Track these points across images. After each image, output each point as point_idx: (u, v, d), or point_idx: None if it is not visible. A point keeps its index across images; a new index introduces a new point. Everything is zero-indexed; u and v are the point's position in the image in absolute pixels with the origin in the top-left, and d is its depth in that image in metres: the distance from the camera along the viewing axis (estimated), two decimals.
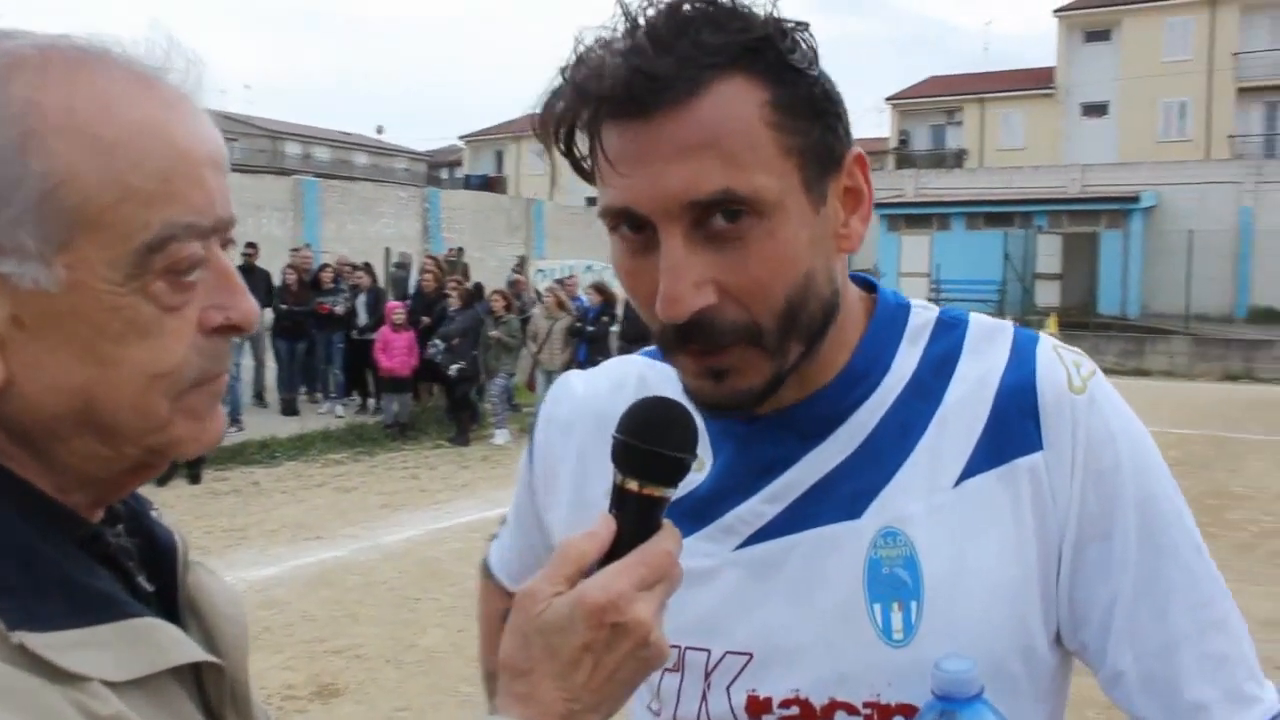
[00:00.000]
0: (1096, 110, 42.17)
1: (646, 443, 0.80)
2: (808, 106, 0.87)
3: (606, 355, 13.04)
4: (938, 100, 45.76)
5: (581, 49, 0.87)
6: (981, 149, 43.53)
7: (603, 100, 0.84)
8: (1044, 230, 30.19)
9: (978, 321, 1.02)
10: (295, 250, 14.95)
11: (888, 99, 46.13)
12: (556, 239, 29.81)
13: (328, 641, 5.94)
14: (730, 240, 0.85)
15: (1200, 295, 26.94)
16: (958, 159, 43.21)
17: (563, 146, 0.89)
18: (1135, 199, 29.98)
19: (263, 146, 51.80)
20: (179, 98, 0.76)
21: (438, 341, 12.55)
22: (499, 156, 56.86)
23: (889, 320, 1.01)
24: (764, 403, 0.92)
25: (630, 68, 0.82)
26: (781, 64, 0.85)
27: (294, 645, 5.87)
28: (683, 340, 0.88)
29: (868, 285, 1.04)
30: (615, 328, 13.43)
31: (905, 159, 43.05)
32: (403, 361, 12.68)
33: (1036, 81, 43.90)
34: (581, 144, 0.90)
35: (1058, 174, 33.55)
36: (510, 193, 44.21)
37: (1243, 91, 39.85)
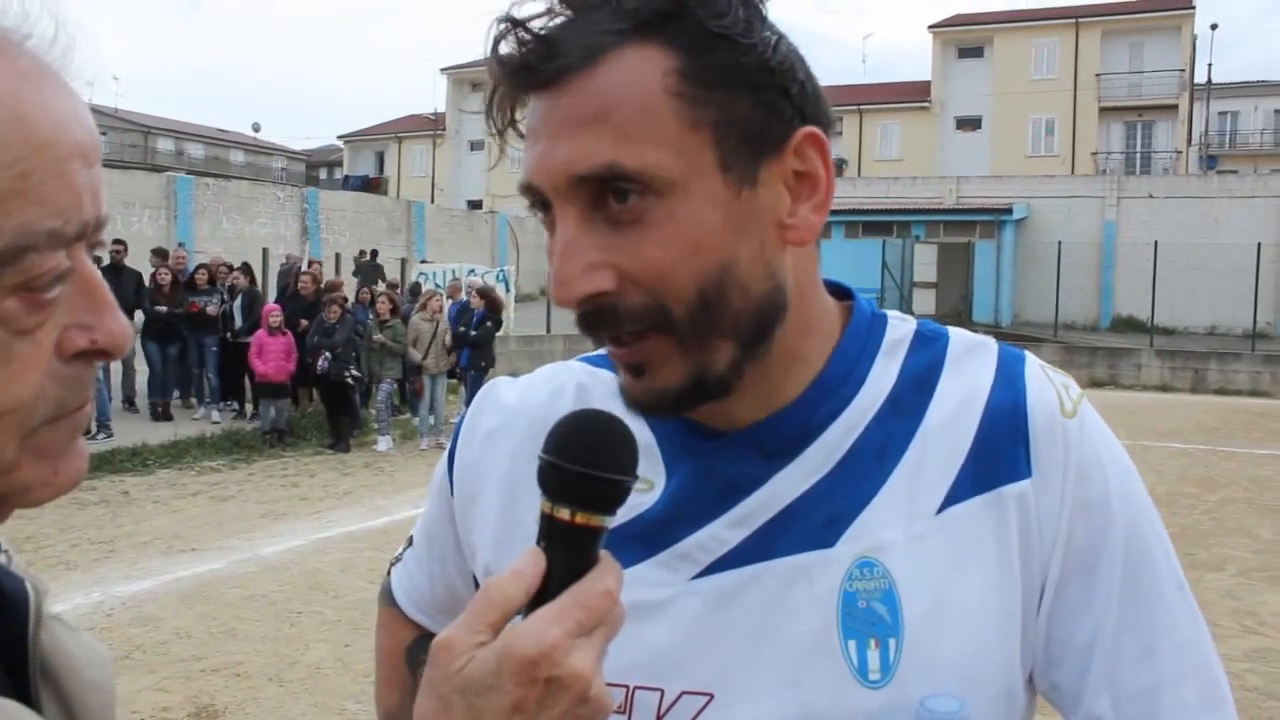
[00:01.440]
0: (970, 124, 43.71)
1: (578, 464, 0.69)
2: (730, 76, 0.78)
3: (490, 361, 13.08)
4: None
5: (501, 15, 0.80)
6: (860, 159, 44.58)
7: (508, 70, 0.79)
8: (921, 240, 31.07)
9: (958, 335, 0.95)
10: (155, 252, 14.29)
11: None
12: (437, 242, 29.57)
13: (205, 660, 5.69)
14: (627, 223, 0.78)
15: (1068, 304, 28.05)
16: (837, 168, 43.38)
17: (494, 119, 0.83)
18: (1008, 210, 31.08)
19: (133, 141, 50.06)
20: (41, 70, 0.60)
21: (327, 354, 12.25)
22: (380, 157, 56.11)
23: (864, 331, 0.93)
24: (689, 407, 0.83)
25: (533, 36, 0.77)
26: (700, 29, 0.77)
27: (168, 665, 5.60)
28: (588, 328, 0.82)
29: (844, 293, 0.96)
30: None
31: None
32: (279, 366, 12.28)
33: (913, 95, 45.26)
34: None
35: (934, 185, 34.56)
36: (391, 194, 43.57)
37: (1104, 111, 41.83)
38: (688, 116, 0.77)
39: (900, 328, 0.95)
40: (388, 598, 1.15)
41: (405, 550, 1.14)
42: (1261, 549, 8.47)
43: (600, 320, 0.80)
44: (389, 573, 1.16)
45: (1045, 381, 0.90)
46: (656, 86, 0.77)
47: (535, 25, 0.78)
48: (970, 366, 0.92)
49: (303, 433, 13.00)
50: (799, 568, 0.86)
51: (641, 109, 0.76)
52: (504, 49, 0.79)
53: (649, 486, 0.91)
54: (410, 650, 1.11)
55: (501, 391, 1.05)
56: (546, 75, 0.77)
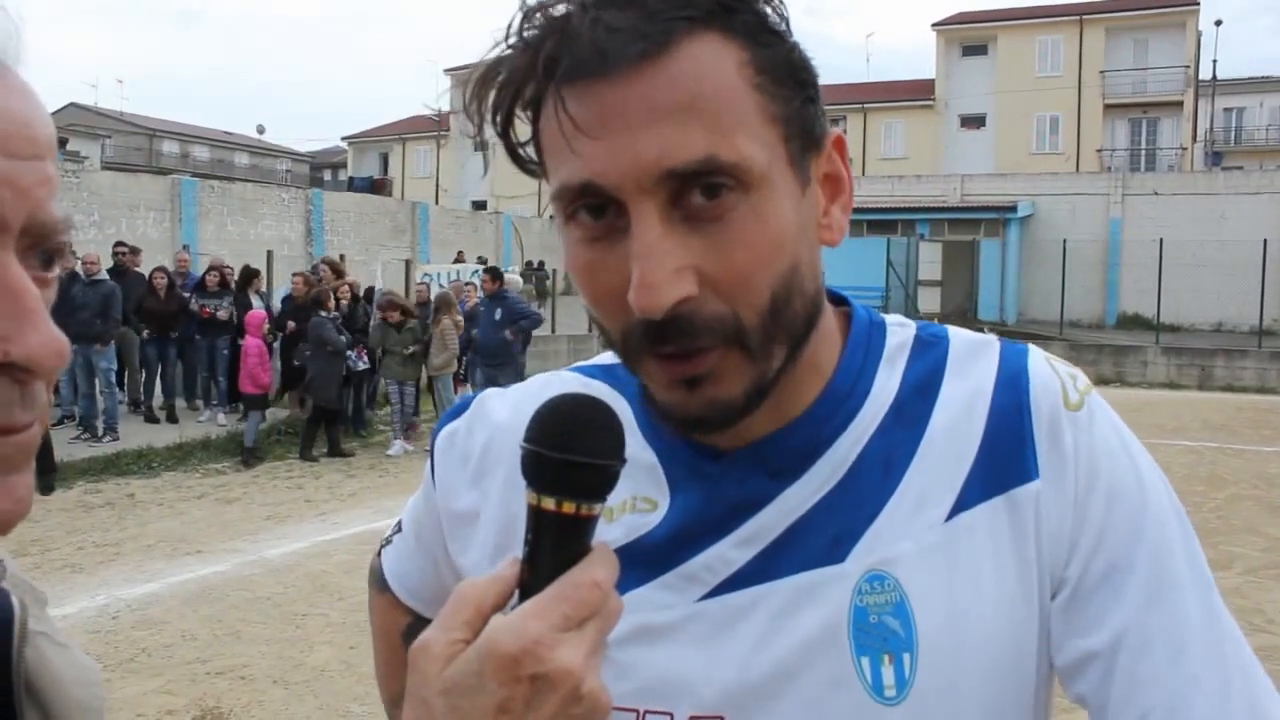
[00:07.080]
0: (974, 122, 43.65)
1: (562, 450, 0.66)
2: (789, 72, 0.77)
3: (466, 370, 12.95)
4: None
5: (531, 3, 0.75)
6: (864, 158, 44.52)
7: (561, 58, 0.72)
8: (926, 238, 31.02)
9: (959, 337, 0.92)
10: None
11: None
12: (442, 243, 29.53)
13: (210, 662, 5.69)
14: (710, 221, 0.73)
15: (1073, 302, 28.02)
16: None
17: (503, 117, 0.77)
18: (1013, 208, 31.03)
19: (138, 144, 50.14)
20: None
21: (353, 352, 12.20)
22: (384, 159, 56.14)
23: (865, 338, 0.90)
24: (744, 418, 0.80)
25: (592, 20, 0.71)
26: (760, 24, 0.75)
27: (174, 667, 5.60)
28: (656, 340, 0.75)
29: (840, 300, 0.93)
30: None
31: None
32: (273, 378, 11.99)
33: (917, 93, 45.20)
34: (520, 128, 0.78)
35: (938, 183, 34.52)
36: (395, 195, 43.62)
37: (1109, 108, 41.75)
38: (766, 109, 0.75)
39: (900, 334, 0.92)
40: (380, 581, 1.12)
41: (395, 534, 1.11)
42: (1269, 546, 8.43)
43: (677, 329, 0.74)
44: (379, 554, 1.13)
45: (1050, 375, 0.87)
46: (736, 76, 0.73)
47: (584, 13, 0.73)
48: (973, 368, 0.88)
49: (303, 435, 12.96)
50: (807, 585, 0.83)
51: (728, 99, 0.73)
52: (546, 35, 0.73)
53: (652, 506, 0.88)
54: (406, 633, 1.09)
55: (491, 407, 0.99)
56: (620, 62, 0.71)
